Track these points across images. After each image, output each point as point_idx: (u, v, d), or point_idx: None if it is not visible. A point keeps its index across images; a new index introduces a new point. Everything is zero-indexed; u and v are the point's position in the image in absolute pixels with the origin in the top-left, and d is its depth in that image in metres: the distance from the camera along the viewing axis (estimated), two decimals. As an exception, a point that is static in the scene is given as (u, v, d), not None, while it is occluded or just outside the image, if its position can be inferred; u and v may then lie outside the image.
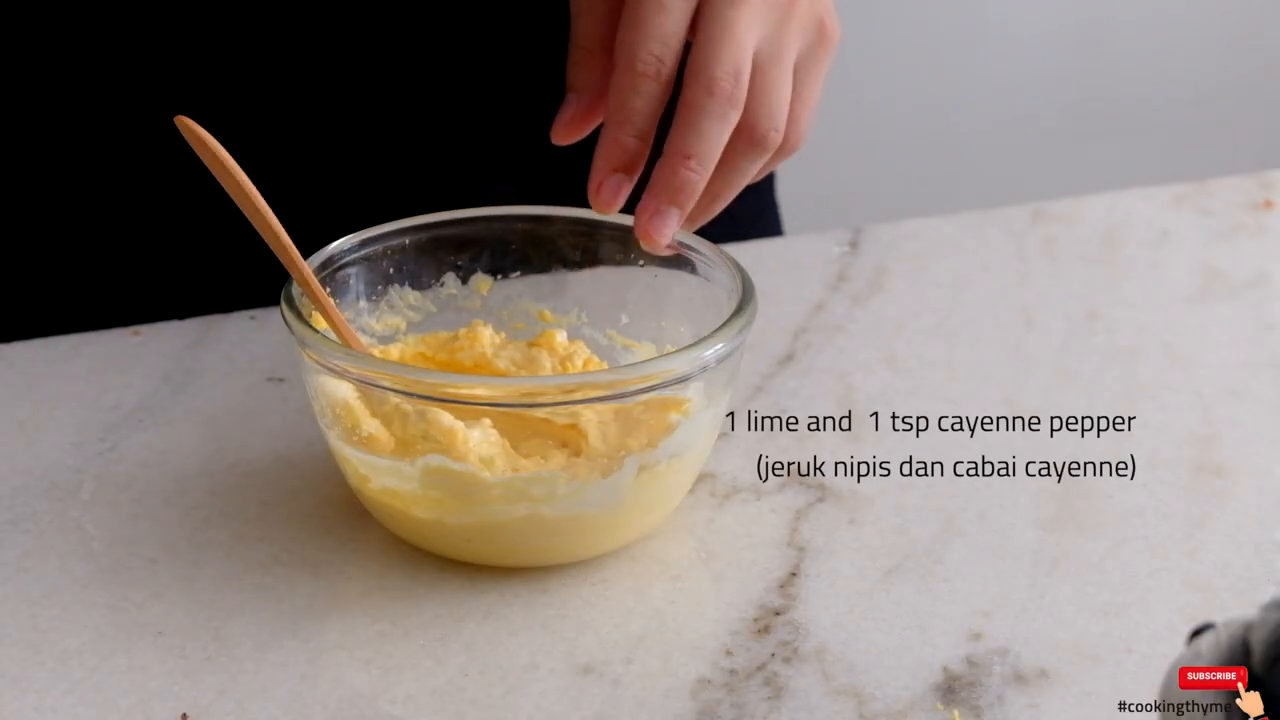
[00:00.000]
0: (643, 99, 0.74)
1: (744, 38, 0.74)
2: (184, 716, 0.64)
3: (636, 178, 0.76)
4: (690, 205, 0.74)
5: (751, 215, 1.05)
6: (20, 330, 0.91)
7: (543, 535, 0.71)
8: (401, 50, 0.94)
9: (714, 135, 0.73)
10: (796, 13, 0.76)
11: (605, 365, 0.80)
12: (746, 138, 0.74)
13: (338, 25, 0.93)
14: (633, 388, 0.70)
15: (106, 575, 0.72)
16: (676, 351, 0.71)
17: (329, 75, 0.94)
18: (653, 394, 0.71)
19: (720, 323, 0.73)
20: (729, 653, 0.68)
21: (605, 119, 0.75)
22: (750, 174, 0.76)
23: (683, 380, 0.71)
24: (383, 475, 0.71)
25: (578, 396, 0.70)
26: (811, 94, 0.77)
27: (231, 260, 0.93)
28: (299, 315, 0.72)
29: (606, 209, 0.76)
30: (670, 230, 0.74)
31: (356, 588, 0.72)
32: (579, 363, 0.79)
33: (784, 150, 0.76)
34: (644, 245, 0.75)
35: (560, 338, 0.79)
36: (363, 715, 0.65)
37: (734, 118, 0.73)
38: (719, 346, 0.71)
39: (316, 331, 0.72)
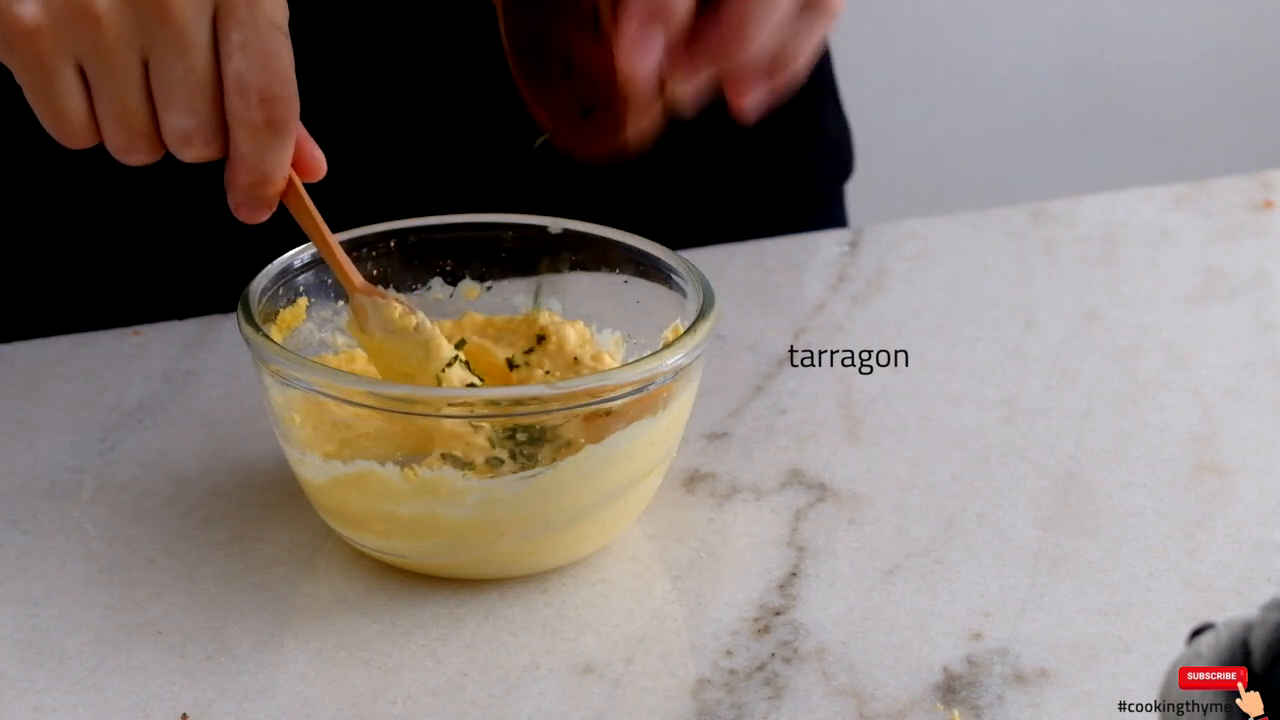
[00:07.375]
0: None
1: None
2: (184, 717, 0.64)
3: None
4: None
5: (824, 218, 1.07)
6: (20, 330, 0.91)
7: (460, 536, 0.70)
8: (399, 53, 0.94)
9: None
10: None
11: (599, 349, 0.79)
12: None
13: (339, 26, 0.93)
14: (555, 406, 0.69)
15: (106, 575, 0.72)
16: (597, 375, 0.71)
17: (332, 73, 0.94)
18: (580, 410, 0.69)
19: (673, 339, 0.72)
20: (729, 653, 0.68)
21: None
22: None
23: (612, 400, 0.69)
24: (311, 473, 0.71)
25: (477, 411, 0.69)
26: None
27: (231, 260, 0.93)
28: (253, 324, 0.71)
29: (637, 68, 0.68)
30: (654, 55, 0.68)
31: (357, 587, 0.72)
32: (564, 335, 0.78)
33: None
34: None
35: (545, 319, 0.78)
36: (363, 715, 0.65)
37: None
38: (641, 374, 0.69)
39: (271, 340, 0.71)
